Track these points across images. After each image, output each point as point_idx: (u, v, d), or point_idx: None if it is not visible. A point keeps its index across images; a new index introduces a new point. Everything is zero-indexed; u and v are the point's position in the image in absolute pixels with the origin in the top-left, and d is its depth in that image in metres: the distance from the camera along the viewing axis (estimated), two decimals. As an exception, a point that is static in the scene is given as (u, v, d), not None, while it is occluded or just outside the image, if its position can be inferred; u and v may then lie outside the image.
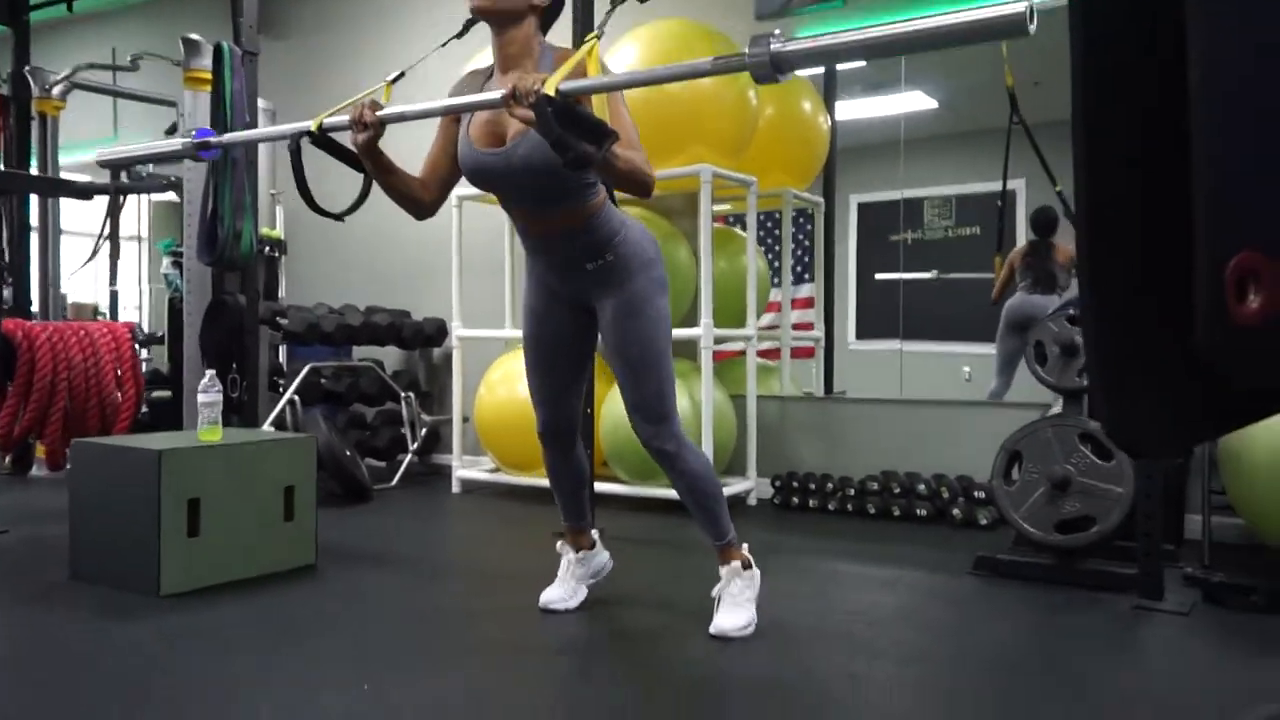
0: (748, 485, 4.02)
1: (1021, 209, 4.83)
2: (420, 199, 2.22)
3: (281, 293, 5.34)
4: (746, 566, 2.25)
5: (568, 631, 2.32)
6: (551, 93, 1.72)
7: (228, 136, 2.81)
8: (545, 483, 4.06)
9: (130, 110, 6.22)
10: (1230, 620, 2.35)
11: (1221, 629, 2.29)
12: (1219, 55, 0.75)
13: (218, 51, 4.05)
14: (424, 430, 4.81)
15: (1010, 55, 3.86)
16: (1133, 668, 2.08)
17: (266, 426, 4.16)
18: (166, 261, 5.52)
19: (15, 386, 3.42)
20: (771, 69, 1.60)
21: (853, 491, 3.80)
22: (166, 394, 5.09)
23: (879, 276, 5.26)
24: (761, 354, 4.50)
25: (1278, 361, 0.78)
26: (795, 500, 3.93)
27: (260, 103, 4.27)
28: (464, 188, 4.50)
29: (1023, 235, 4.78)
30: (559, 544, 2.51)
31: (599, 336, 2.27)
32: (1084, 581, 2.63)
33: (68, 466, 3.76)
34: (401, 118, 2.05)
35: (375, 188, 2.18)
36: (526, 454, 4.22)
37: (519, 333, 4.57)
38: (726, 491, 2.36)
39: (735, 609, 2.20)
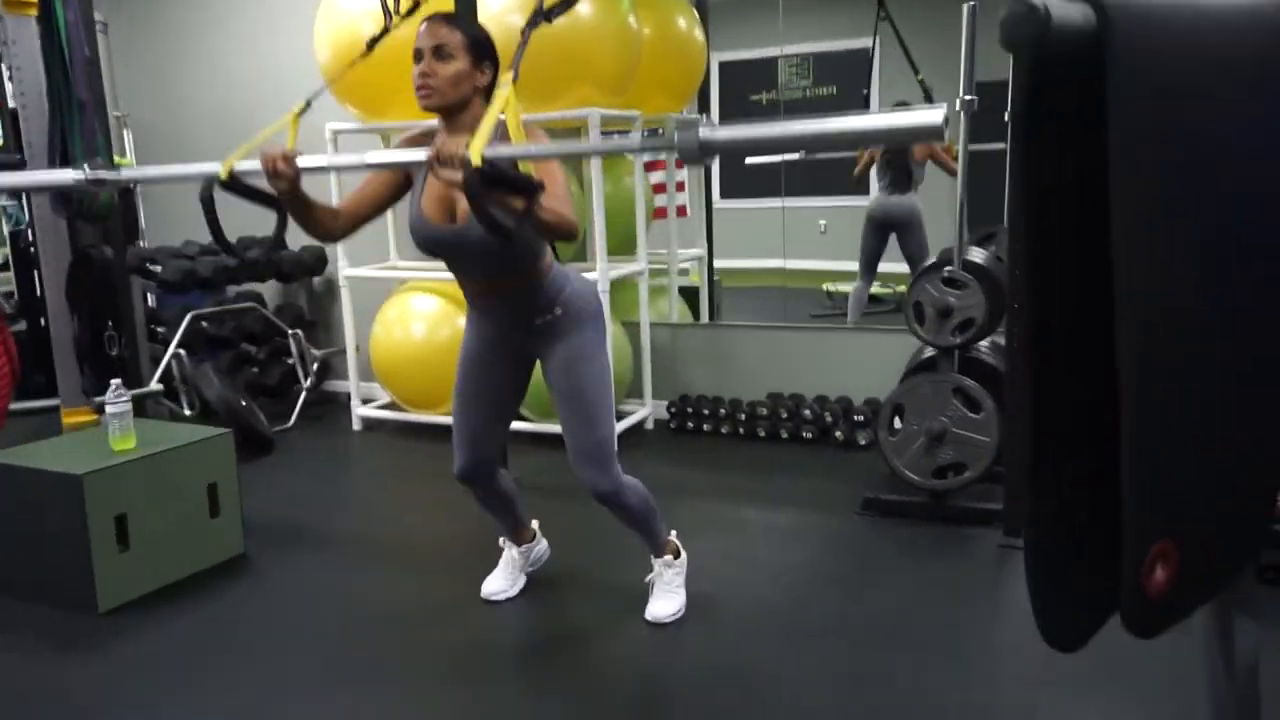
0: (645, 411, 4.24)
1: (876, 68, 5.03)
2: (331, 230, 2.20)
3: (142, 223, 5.05)
4: (676, 555, 2.49)
5: (510, 624, 2.52)
6: (477, 161, 1.66)
7: (119, 174, 2.45)
8: (446, 420, 4.19)
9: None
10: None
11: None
12: (1150, 363, 0.92)
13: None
14: (315, 365, 4.78)
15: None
16: (1003, 620, 2.47)
17: (154, 384, 4.06)
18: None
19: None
20: (699, 153, 1.60)
21: (743, 416, 4.08)
22: (21, 327, 4.84)
23: (750, 161, 5.42)
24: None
25: (1175, 613, 1.01)
26: (690, 425, 4.19)
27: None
28: (339, 121, 4.32)
29: (877, 98, 5.01)
30: (500, 539, 2.66)
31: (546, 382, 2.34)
32: (956, 518, 3.01)
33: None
34: (322, 169, 2.01)
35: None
36: (426, 392, 4.30)
37: (406, 266, 4.55)
38: (625, 421, 2.41)
39: (667, 595, 2.44)
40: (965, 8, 2.99)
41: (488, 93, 2.12)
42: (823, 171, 5.48)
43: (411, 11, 2.16)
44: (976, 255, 3.24)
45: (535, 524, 2.73)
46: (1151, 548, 0.95)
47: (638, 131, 4.17)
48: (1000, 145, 3.15)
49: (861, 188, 5.23)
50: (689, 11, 4.46)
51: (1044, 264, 0.99)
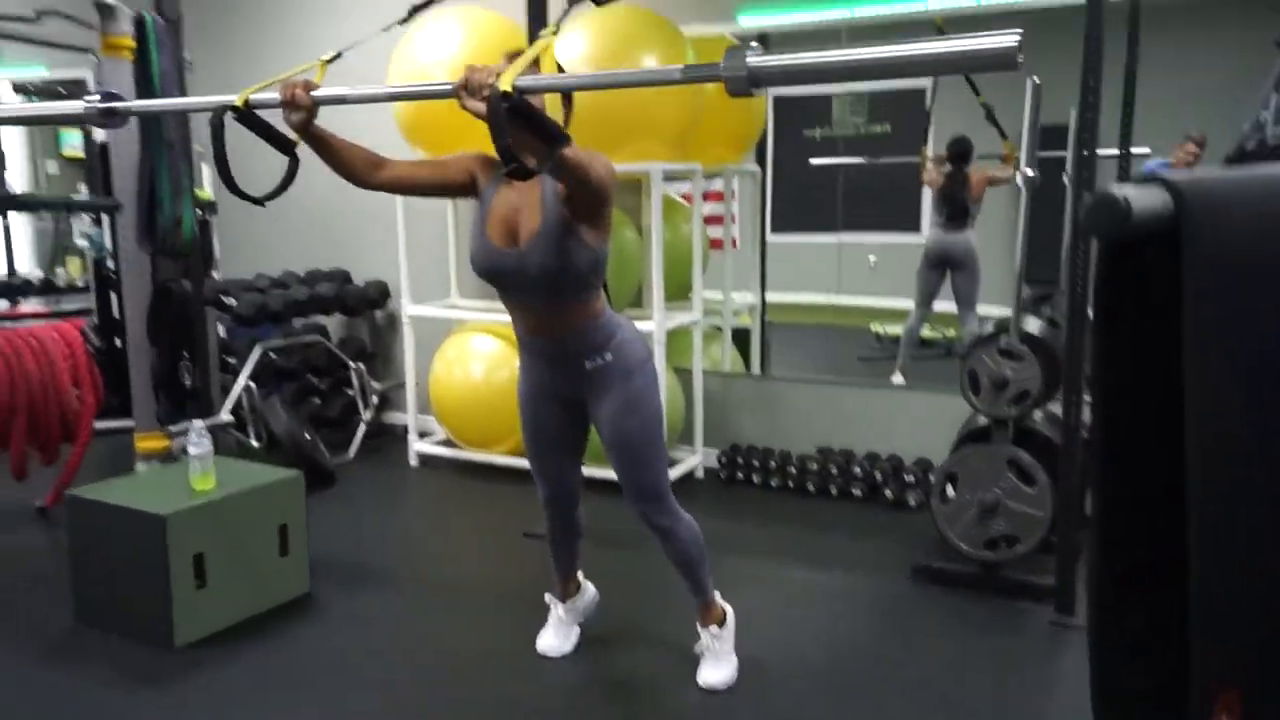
0: (696, 459, 4.31)
1: (931, 106, 5.04)
2: (363, 175, 2.18)
3: (216, 254, 5.25)
4: (721, 623, 2.53)
5: (563, 679, 2.58)
6: (506, 88, 1.58)
7: (135, 104, 2.52)
8: (501, 459, 4.30)
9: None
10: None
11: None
12: (1218, 525, 0.97)
13: (140, 25, 3.87)
14: (375, 398, 4.91)
15: None
16: (1053, 695, 2.48)
17: (225, 415, 4.21)
18: (87, 220, 5.32)
19: (-26, 406, 3.39)
20: (747, 83, 1.45)
21: (793, 469, 4.12)
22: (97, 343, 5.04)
23: (814, 162, 5.40)
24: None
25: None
26: (739, 475, 4.24)
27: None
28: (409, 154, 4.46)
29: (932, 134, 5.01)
30: (547, 596, 2.73)
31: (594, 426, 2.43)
32: (1008, 590, 3.03)
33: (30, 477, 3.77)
34: (340, 100, 1.94)
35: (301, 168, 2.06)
36: (483, 432, 4.41)
37: (467, 306, 4.68)
38: (676, 469, 2.46)
39: (718, 664, 2.50)
40: (1028, 82, 3.04)
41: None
42: (873, 207, 5.48)
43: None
44: (1032, 326, 3.27)
45: (579, 574, 2.78)
46: (1218, 694, 1.00)
47: (698, 178, 4.28)
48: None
49: (912, 223, 5.24)
50: (752, 67, 4.54)
51: (1121, 439, 1.04)
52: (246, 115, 1.92)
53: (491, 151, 1.68)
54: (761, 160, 4.93)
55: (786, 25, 4.41)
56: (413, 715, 2.37)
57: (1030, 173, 3.03)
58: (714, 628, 2.52)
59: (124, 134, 4.13)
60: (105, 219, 5.01)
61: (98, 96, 2.18)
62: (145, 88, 3.91)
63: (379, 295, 5.09)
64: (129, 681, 2.53)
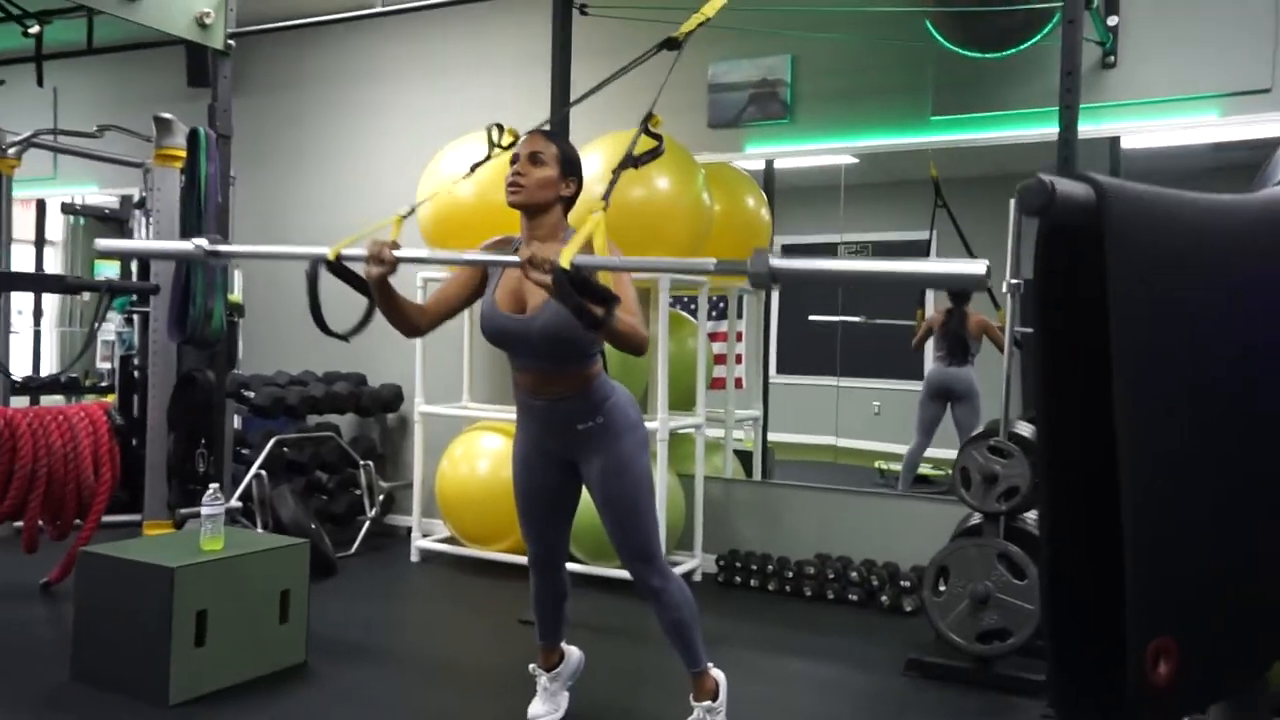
0: (694, 562, 4.35)
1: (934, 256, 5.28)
2: (416, 324, 2.44)
3: (239, 354, 5.45)
4: (714, 696, 2.55)
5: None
6: (566, 265, 1.85)
7: (235, 248, 2.78)
8: (501, 556, 4.35)
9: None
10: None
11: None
12: (1144, 480, 1.08)
13: (193, 136, 4.19)
14: (381, 496, 5.00)
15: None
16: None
17: (234, 501, 4.30)
18: (119, 319, 5.56)
19: (-3, 473, 3.50)
20: (768, 279, 1.72)
21: (790, 574, 4.16)
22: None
23: (813, 318, 5.62)
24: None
25: (1178, 709, 1.13)
26: (738, 579, 4.27)
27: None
28: (428, 270, 4.73)
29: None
30: (531, 667, 2.76)
31: (584, 488, 2.54)
32: (1000, 685, 3.03)
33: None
34: (420, 260, 2.21)
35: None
36: (485, 528, 4.47)
37: (477, 407, 4.84)
38: (676, 570, 2.57)
39: (711, 738, 2.51)
40: (1012, 202, 3.28)
41: (568, 204, 2.40)
42: (878, 353, 5.66)
43: (511, 146, 2.36)
44: (1024, 429, 3.39)
45: (563, 644, 2.79)
46: (1151, 642, 1.09)
47: (704, 293, 4.51)
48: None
49: (915, 371, 5.39)
50: (757, 192, 4.85)
51: (1061, 397, 1.17)
52: (337, 266, 2.17)
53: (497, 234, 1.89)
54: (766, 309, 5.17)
55: (785, 154, 4.73)
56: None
57: (1015, 281, 3.23)
58: (708, 702, 2.53)
59: (166, 234, 4.43)
60: (135, 320, 5.24)
61: (205, 240, 2.40)
62: (190, 190, 4.20)
63: (392, 398, 5.25)
64: (121, 733, 2.55)
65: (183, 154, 4.30)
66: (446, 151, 4.60)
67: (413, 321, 2.43)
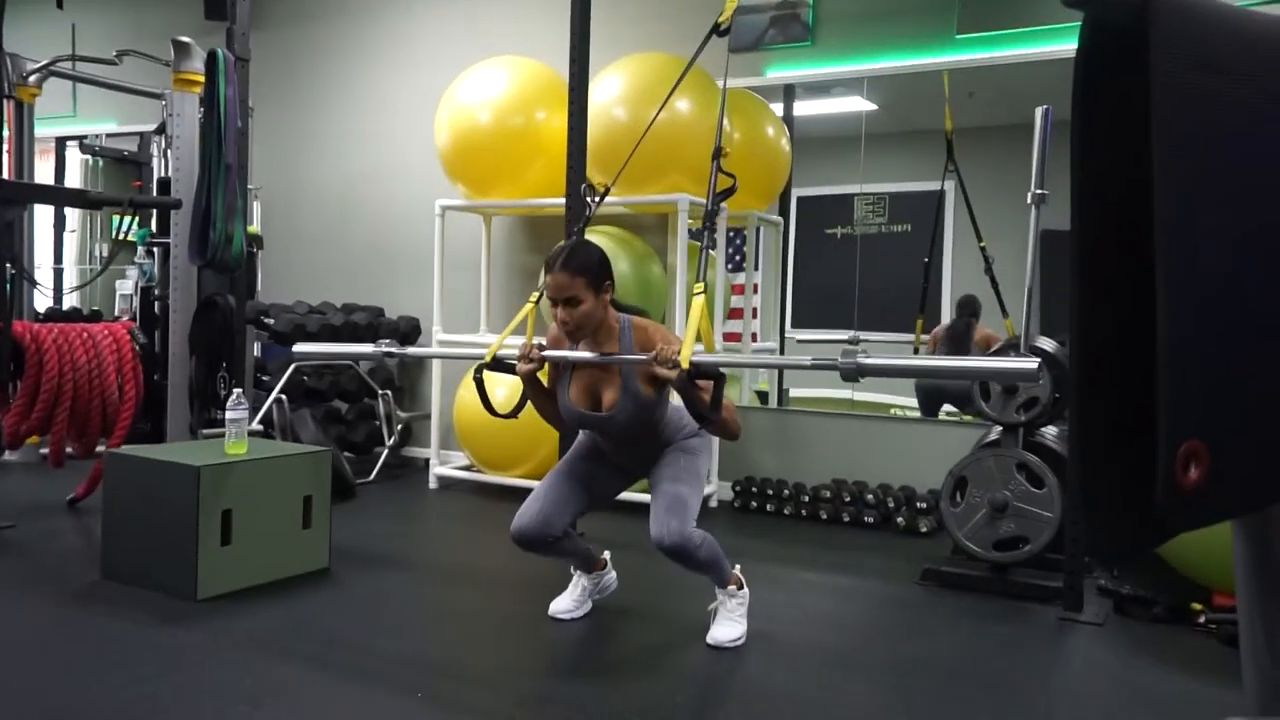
0: (710, 489, 4.37)
1: (949, 210, 5.19)
2: (556, 416, 2.63)
3: (258, 285, 5.47)
4: (740, 586, 2.59)
5: (576, 643, 2.63)
6: (686, 364, 2.18)
7: (413, 350, 3.40)
8: (519, 481, 4.38)
9: (90, 89, 6.19)
10: (1137, 631, 2.79)
11: (1130, 640, 2.72)
12: (1186, 280, 1.08)
13: (211, 58, 4.17)
14: (399, 426, 5.04)
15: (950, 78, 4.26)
16: (1058, 676, 2.49)
17: (255, 424, 4.34)
18: (141, 250, 5.59)
19: (23, 388, 3.54)
20: (856, 373, 2.01)
21: (807, 498, 4.18)
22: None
23: (811, 338, 5.56)
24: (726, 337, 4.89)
25: (1207, 513, 1.14)
26: (754, 504, 4.29)
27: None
28: (447, 198, 4.73)
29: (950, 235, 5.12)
30: (571, 567, 2.80)
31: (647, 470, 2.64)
32: (1016, 592, 3.05)
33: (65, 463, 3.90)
34: (563, 359, 2.48)
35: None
36: (502, 454, 4.51)
37: (494, 338, 4.83)
38: None
39: (729, 623, 2.54)
40: (1038, 111, 3.24)
41: (610, 302, 2.48)
42: (895, 307, 5.57)
43: (601, 197, 2.87)
44: (1045, 343, 3.38)
45: (607, 554, 2.86)
46: (1182, 444, 1.09)
47: (722, 222, 4.48)
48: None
49: (931, 325, 5.27)
50: (778, 122, 4.82)
51: (1097, 199, 1.16)
52: (495, 365, 2.53)
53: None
54: (784, 263, 5.13)
55: (806, 79, 4.69)
56: (431, 660, 2.41)
57: (1040, 191, 3.19)
58: (732, 588, 2.57)
59: (185, 158, 4.43)
60: (155, 253, 5.27)
61: (386, 341, 2.79)
62: (210, 114, 4.20)
63: (410, 330, 5.27)
64: (156, 622, 2.60)
65: (201, 78, 4.29)
66: (463, 79, 4.58)
67: (554, 413, 2.60)
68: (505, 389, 4.37)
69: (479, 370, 2.54)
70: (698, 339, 2.29)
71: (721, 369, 2.25)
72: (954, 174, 4.72)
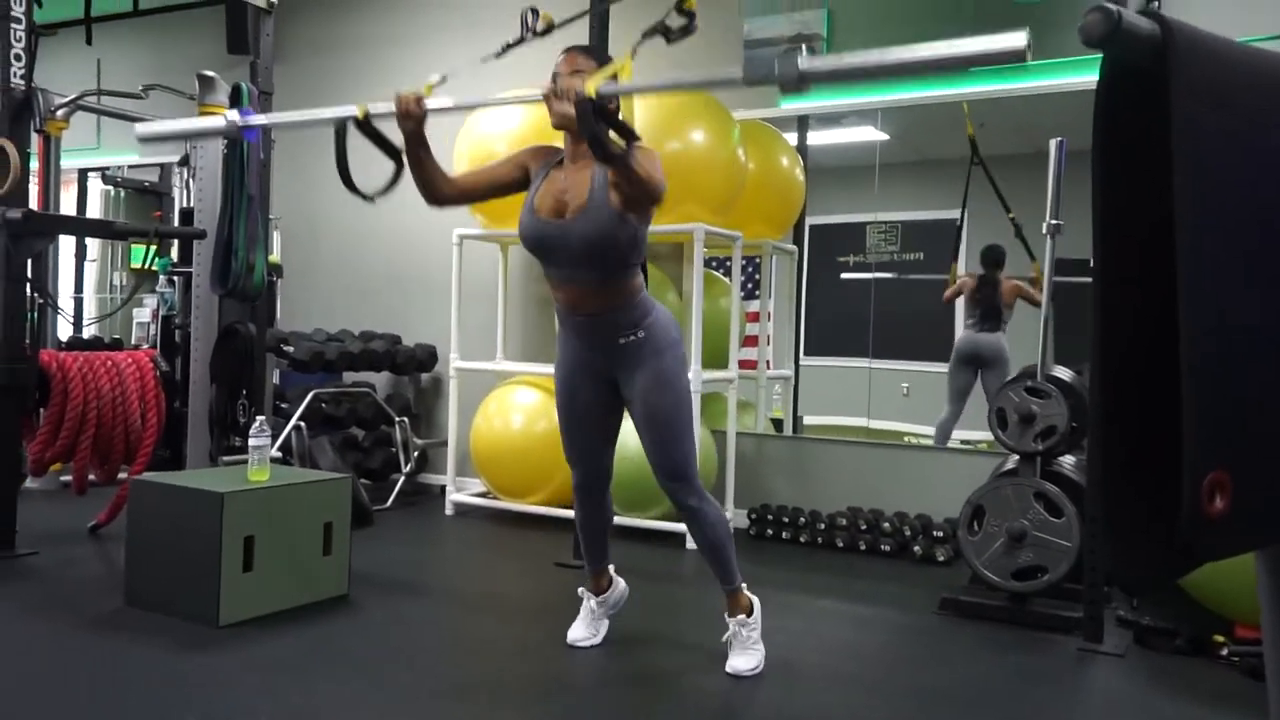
0: (725, 517, 4.36)
1: (965, 233, 5.24)
2: (440, 190, 2.43)
3: (278, 313, 5.53)
4: (749, 612, 2.60)
5: (595, 669, 2.63)
6: (592, 93, 1.93)
7: (268, 117, 2.81)
8: (535, 509, 4.40)
9: (115, 122, 6.30)
10: (1158, 662, 2.77)
11: (1151, 671, 2.71)
12: (1210, 311, 1.10)
13: (236, 92, 4.26)
14: (416, 453, 5.06)
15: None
16: (1079, 707, 2.48)
17: (274, 451, 4.37)
18: (162, 279, 5.66)
19: (48, 415, 3.58)
20: (798, 81, 1.67)
21: (823, 526, 4.18)
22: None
23: (845, 276, 5.58)
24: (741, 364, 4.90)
25: (1231, 543, 1.15)
26: (770, 532, 4.29)
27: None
28: (465, 227, 4.78)
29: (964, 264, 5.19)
30: (580, 590, 2.82)
31: (625, 406, 2.58)
32: (1035, 622, 3.04)
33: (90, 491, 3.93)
34: (447, 110, 2.22)
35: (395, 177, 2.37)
36: (519, 482, 4.52)
37: (510, 365, 4.89)
38: None
39: (746, 652, 2.55)
40: (1052, 143, 3.27)
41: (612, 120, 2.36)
42: (907, 335, 5.58)
43: (546, 31, 2.29)
44: (1061, 372, 3.38)
45: (612, 567, 2.86)
46: (1207, 475, 1.11)
47: (737, 251, 4.51)
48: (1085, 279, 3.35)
49: (943, 353, 5.32)
50: (792, 153, 4.86)
51: (1119, 229, 1.18)
52: (365, 125, 2.22)
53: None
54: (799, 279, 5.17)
55: (820, 110, 4.74)
56: (450, 685, 2.42)
57: (1055, 221, 3.22)
58: (742, 616, 2.57)
59: (208, 187, 4.51)
60: (176, 281, 5.34)
61: (236, 113, 2.55)
62: (233, 146, 4.27)
63: (427, 358, 5.32)
64: (178, 648, 2.61)
65: (224, 110, 4.37)
66: (481, 110, 4.64)
67: (439, 187, 2.43)
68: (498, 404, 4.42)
69: (341, 124, 2.23)
70: (614, 78, 2.04)
71: (635, 93, 2.02)
72: (979, 164, 4.80)
